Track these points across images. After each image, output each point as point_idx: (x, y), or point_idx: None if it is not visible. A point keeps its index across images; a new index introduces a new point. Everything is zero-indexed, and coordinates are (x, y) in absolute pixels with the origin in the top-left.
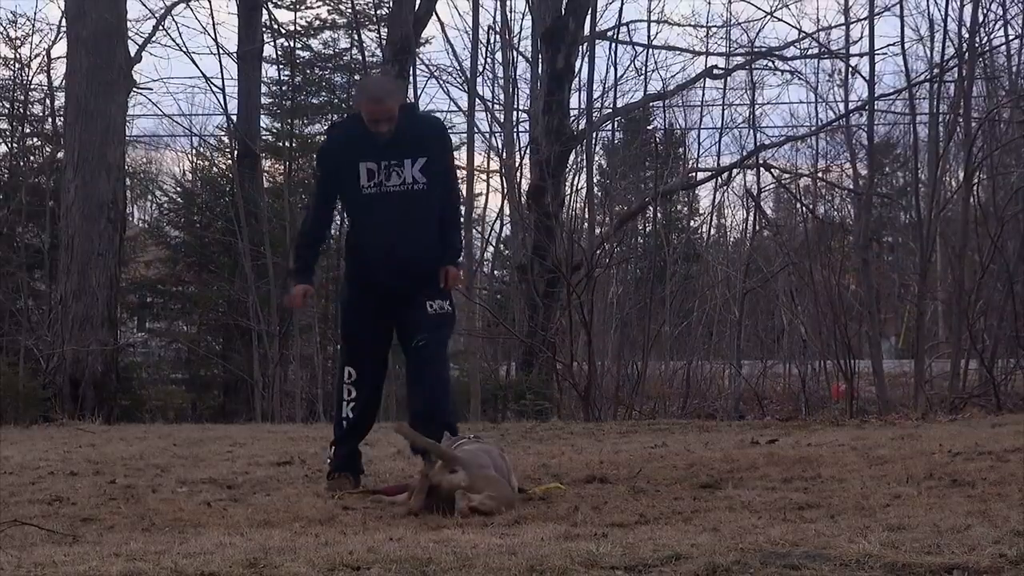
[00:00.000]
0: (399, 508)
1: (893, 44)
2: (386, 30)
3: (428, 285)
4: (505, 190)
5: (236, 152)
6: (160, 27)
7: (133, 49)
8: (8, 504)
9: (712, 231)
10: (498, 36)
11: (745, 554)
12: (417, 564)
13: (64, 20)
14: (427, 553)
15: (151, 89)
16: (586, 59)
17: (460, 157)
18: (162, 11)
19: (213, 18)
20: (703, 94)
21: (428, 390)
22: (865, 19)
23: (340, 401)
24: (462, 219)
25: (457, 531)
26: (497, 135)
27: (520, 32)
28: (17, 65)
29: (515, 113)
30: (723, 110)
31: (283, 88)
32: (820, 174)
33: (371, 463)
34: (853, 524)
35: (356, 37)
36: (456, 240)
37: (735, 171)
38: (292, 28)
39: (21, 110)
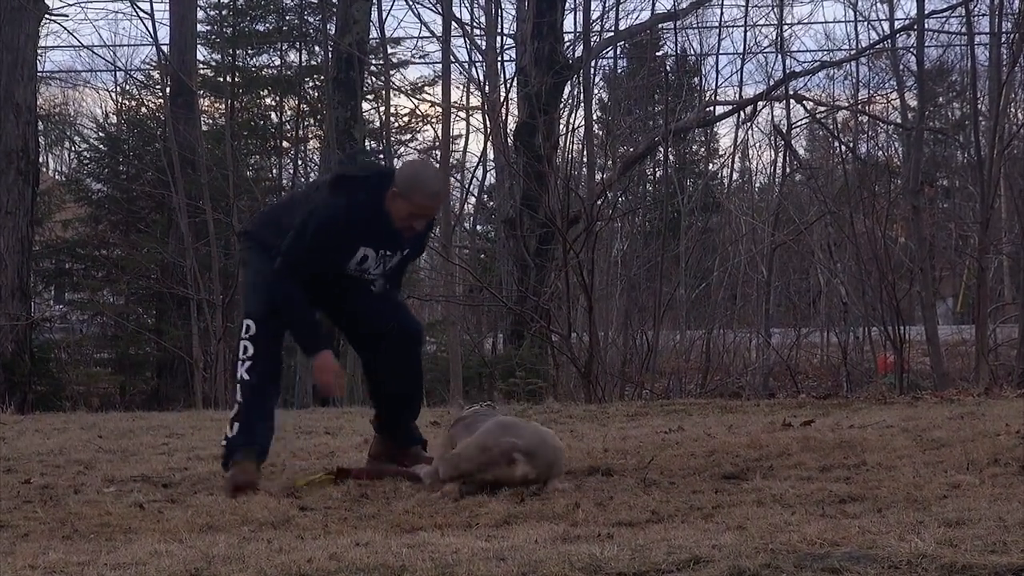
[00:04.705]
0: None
1: None
2: None
3: None
4: (488, 130)
5: (168, 89)
6: None
7: None
8: None
9: (735, 175)
10: None
11: (776, 556)
12: (389, 572)
13: None
14: (400, 560)
15: (66, 16)
16: None
17: (435, 92)
18: None
19: None
20: (721, 13)
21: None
22: None
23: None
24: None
25: (436, 533)
26: (478, 65)
27: None
28: None
29: (499, 39)
30: (745, 32)
31: (222, 13)
32: (861, 106)
33: (333, 455)
34: (904, 519)
35: None
36: None
37: (761, 104)
38: None
39: None
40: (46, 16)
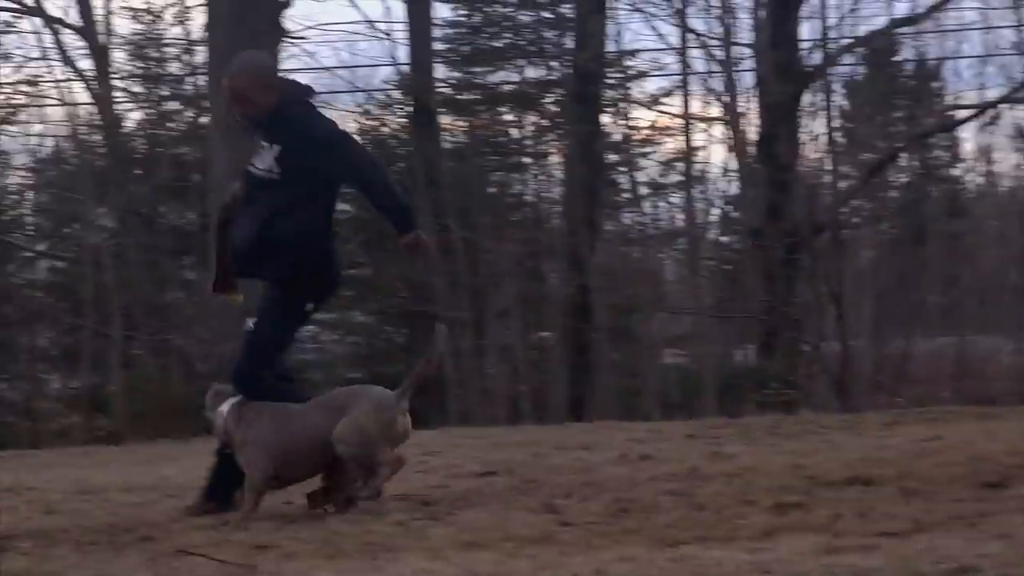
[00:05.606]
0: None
1: None
2: None
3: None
4: (729, 141)
5: (412, 109)
6: None
7: None
8: (171, 531)
9: (979, 180)
10: None
11: None
12: None
13: None
14: (664, 574)
15: (305, 38)
16: None
17: (674, 103)
18: None
19: None
20: (960, 16)
21: None
22: None
23: None
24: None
25: (698, 546)
26: (716, 76)
27: None
28: (149, 17)
29: (735, 49)
30: (985, 34)
31: (459, 31)
32: None
33: (591, 471)
34: None
35: None
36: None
37: (1003, 107)
38: None
39: (156, 69)
40: (285, 39)
